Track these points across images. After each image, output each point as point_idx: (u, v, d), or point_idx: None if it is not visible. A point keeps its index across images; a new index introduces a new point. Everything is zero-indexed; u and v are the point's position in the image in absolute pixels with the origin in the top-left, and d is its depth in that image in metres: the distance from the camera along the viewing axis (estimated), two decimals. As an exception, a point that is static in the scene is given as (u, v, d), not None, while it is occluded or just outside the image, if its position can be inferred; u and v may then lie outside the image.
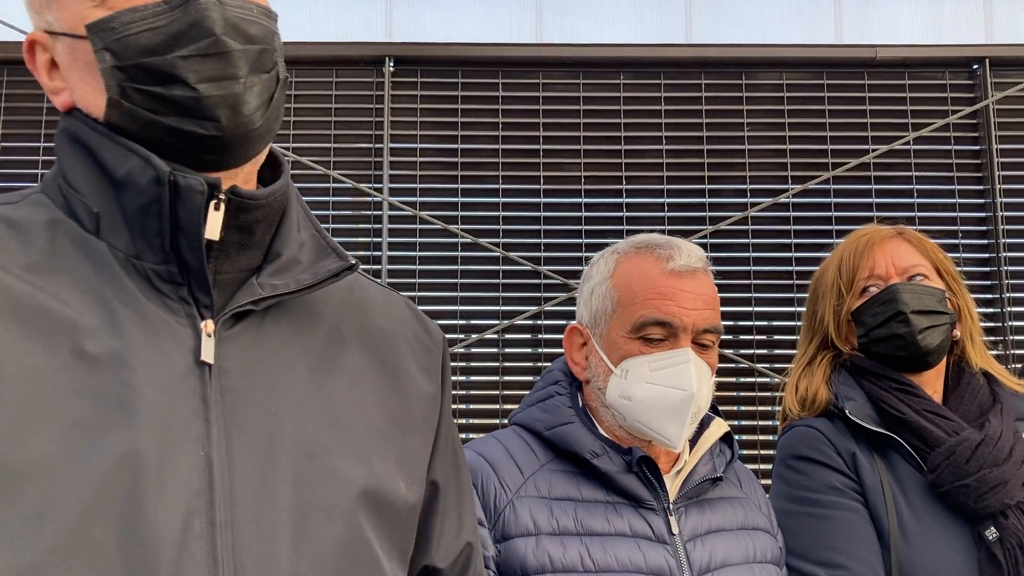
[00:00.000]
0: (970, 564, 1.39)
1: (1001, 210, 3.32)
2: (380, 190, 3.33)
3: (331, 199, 3.36)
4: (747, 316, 3.35)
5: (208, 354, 0.78)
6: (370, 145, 3.39)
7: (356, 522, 0.81)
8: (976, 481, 1.39)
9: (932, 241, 1.62)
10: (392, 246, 3.33)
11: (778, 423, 1.66)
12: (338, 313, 0.90)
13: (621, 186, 3.37)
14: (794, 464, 1.50)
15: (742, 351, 3.30)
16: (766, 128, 3.41)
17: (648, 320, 1.29)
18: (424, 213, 3.31)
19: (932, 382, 1.55)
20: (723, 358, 3.28)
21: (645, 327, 1.29)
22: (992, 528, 1.38)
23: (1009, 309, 3.28)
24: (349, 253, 0.89)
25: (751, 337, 3.33)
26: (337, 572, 0.78)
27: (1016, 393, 1.57)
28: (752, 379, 3.31)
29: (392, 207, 3.32)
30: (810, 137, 3.40)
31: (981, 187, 3.37)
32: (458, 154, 3.38)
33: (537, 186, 3.37)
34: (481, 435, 1.50)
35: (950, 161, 3.39)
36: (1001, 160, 3.35)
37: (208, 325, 0.79)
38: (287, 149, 3.28)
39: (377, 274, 3.30)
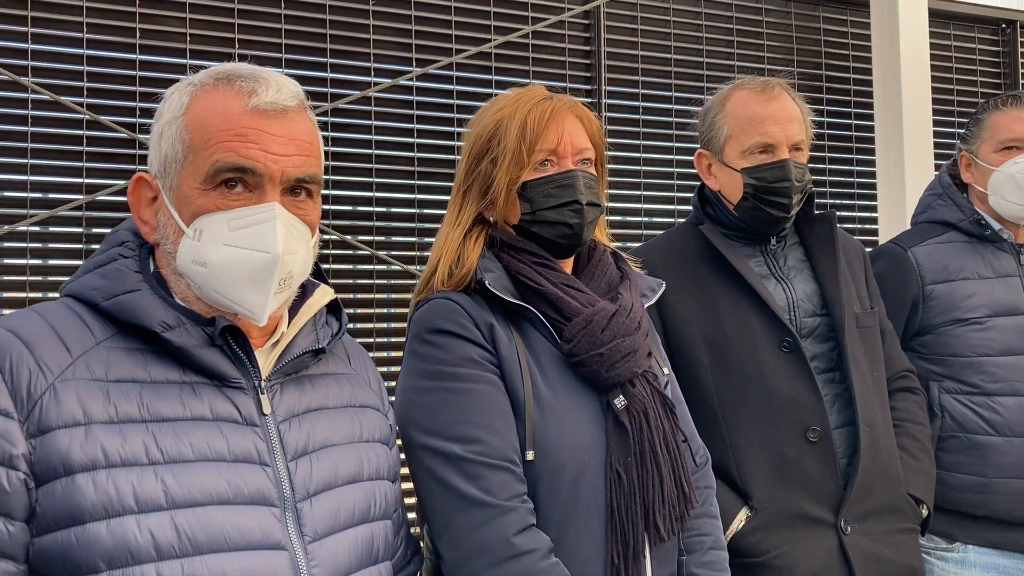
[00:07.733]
0: (598, 431, 1.40)
1: (605, 111, 3.53)
2: (-81, 25, 2.64)
3: None
4: (368, 201, 3.23)
5: None
6: (-96, -34, 2.67)
7: None
8: (610, 350, 1.40)
9: (597, 122, 1.56)
10: (-63, 98, 2.69)
11: (412, 298, 1.53)
12: None
13: (233, 50, 3.01)
14: (430, 338, 1.41)
15: (361, 237, 3.18)
16: (391, 4, 3.25)
17: (224, 166, 1.07)
18: (-18, 60, 2.70)
19: (567, 260, 1.54)
20: (344, 244, 3.16)
21: (220, 174, 1.07)
22: (620, 396, 1.40)
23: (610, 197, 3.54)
24: None
25: (371, 223, 3.22)
26: None
27: (639, 272, 1.62)
28: (371, 266, 3.22)
29: (-63, 48, 2.66)
30: (435, 20, 3.32)
31: (589, 87, 3.55)
32: (29, -9, 2.78)
33: (133, 40, 2.90)
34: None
35: (564, 59, 3.51)
36: (608, 63, 3.55)
37: None
38: None
39: (-84, 131, 2.64)
